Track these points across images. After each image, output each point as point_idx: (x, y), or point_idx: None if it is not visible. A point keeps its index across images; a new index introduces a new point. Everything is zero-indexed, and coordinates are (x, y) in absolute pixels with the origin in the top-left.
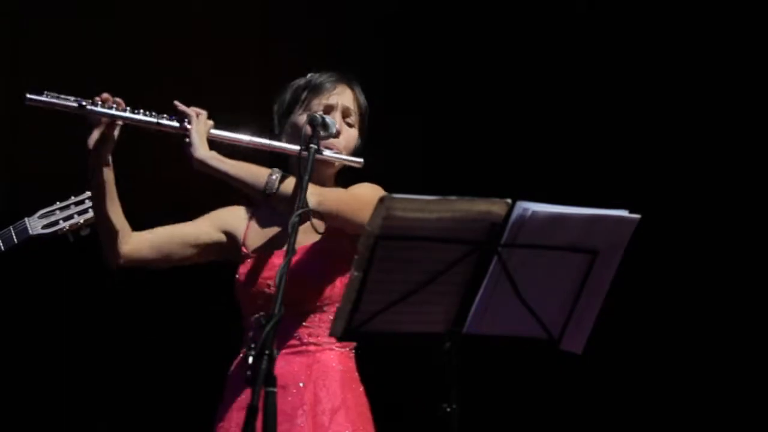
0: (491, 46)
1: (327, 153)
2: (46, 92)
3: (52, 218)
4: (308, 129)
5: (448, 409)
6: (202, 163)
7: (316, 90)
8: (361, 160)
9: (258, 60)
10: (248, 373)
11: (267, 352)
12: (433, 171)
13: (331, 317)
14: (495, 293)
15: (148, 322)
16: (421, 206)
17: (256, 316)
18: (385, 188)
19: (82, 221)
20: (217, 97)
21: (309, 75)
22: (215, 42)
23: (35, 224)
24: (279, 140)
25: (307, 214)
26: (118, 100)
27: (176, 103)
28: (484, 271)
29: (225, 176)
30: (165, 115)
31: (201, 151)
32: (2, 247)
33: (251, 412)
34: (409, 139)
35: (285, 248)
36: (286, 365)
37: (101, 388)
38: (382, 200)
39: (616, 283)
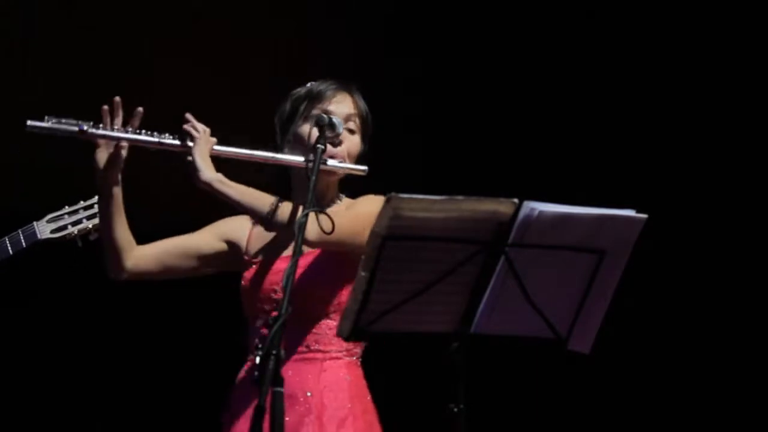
0: (495, 45)
1: (330, 162)
2: (46, 117)
3: (61, 222)
4: (315, 130)
5: (456, 409)
6: (207, 185)
7: (315, 99)
8: (365, 167)
9: (260, 59)
10: (255, 373)
11: (274, 352)
12: (438, 171)
13: None
14: (502, 293)
15: (153, 326)
16: (428, 206)
17: (269, 318)
18: (389, 191)
19: (90, 226)
20: (220, 98)
21: (308, 84)
22: (216, 42)
23: (44, 228)
24: (282, 152)
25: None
26: (118, 122)
27: (187, 115)
28: (492, 271)
29: (229, 200)
30: (167, 134)
31: (206, 173)
32: (11, 251)
33: (258, 412)
34: (413, 140)
35: (289, 252)
36: (294, 374)
37: (106, 392)
38: (389, 200)
39: (623, 283)
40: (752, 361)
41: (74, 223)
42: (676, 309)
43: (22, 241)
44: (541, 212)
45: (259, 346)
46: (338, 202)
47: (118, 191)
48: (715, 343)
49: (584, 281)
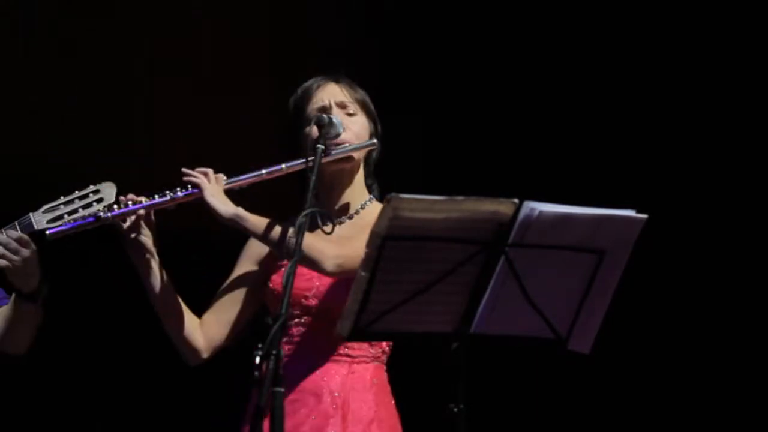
0: (493, 44)
1: (335, 151)
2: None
3: (57, 213)
4: (315, 130)
5: (456, 409)
6: (230, 221)
7: (305, 98)
8: (374, 141)
9: (262, 62)
10: (255, 373)
11: (274, 352)
12: (438, 171)
13: None
14: (502, 293)
15: (156, 319)
16: (428, 206)
17: (297, 320)
18: (389, 191)
19: (86, 215)
20: (221, 98)
21: (302, 86)
22: (216, 43)
23: (40, 219)
24: (299, 156)
25: (314, 216)
26: (130, 196)
27: (184, 170)
28: (492, 271)
29: (248, 233)
30: (179, 188)
31: (224, 210)
32: None
33: (258, 413)
34: (413, 139)
35: None
36: (322, 374)
37: (106, 390)
38: (389, 200)
39: (623, 283)
40: (752, 361)
41: (70, 213)
42: (676, 309)
43: (19, 232)
44: (541, 212)
45: (259, 345)
46: (368, 204)
47: (158, 266)
48: (715, 342)
49: (584, 281)
